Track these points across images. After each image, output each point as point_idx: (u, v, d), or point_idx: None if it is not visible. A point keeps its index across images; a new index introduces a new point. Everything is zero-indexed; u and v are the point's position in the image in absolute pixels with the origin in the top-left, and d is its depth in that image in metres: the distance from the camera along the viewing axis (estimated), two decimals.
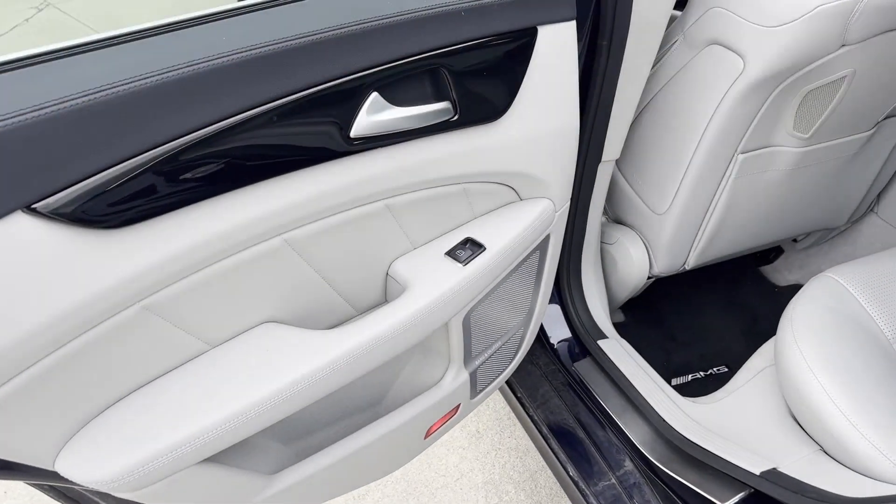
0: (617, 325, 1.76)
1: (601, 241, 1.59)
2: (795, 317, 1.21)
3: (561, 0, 0.91)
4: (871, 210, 1.76)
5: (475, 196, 1.00)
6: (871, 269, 1.27)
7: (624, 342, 1.47)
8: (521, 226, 1.04)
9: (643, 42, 1.18)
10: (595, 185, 1.37)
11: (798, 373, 1.13)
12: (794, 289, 1.88)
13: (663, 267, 1.54)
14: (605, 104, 1.24)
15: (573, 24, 0.94)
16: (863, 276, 1.26)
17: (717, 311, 1.82)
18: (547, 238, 1.13)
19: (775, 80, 1.19)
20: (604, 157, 1.33)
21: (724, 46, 1.21)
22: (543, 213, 1.07)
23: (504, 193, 1.04)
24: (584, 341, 1.47)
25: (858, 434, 1.04)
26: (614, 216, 1.62)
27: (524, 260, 1.10)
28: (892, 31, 1.14)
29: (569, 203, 1.14)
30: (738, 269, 1.93)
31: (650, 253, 1.53)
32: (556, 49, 0.93)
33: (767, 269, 1.95)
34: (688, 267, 1.56)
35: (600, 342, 1.45)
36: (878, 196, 1.73)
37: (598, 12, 1.12)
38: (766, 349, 1.35)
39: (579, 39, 1.15)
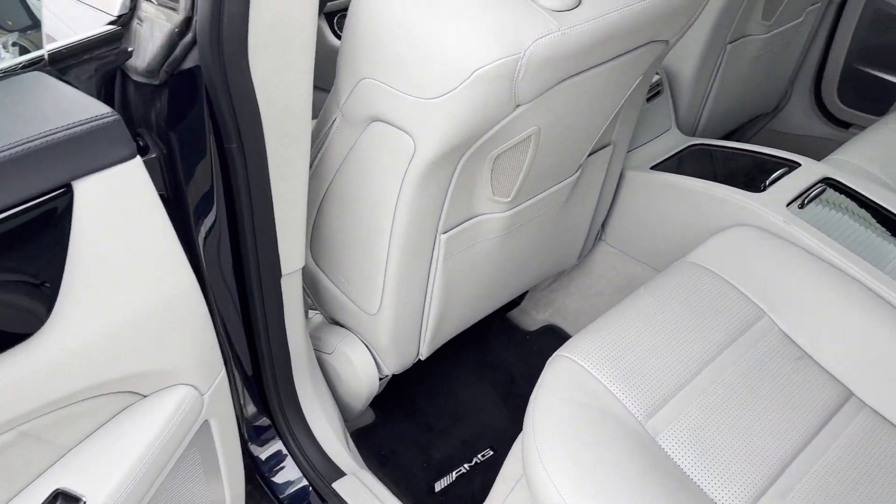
0: (367, 429, 1.52)
1: (319, 351, 1.32)
2: (537, 422, 1.02)
3: (102, 138, 0.61)
4: (600, 239, 1.68)
5: (51, 429, 0.67)
6: (607, 338, 1.12)
7: (366, 474, 1.21)
8: (144, 441, 0.72)
9: (289, 133, 0.92)
10: (285, 302, 1.10)
11: (547, 499, 0.94)
12: (546, 331, 1.76)
13: (394, 367, 1.30)
14: (262, 214, 0.97)
15: (137, 161, 0.65)
16: (600, 348, 1.11)
17: (471, 379, 1.63)
18: (205, 425, 0.83)
19: (454, 154, 0.99)
20: (285, 270, 1.06)
21: (388, 123, 0.98)
22: (181, 406, 0.77)
23: (111, 403, 0.72)
24: (317, 488, 1.19)
25: None
26: (329, 316, 1.36)
27: (173, 469, 0.79)
28: (563, 81, 0.98)
29: (224, 371, 0.85)
30: (485, 322, 1.76)
31: (375, 355, 1.29)
32: (117, 203, 0.63)
33: (515, 314, 1.81)
34: (423, 357, 1.35)
35: (336, 484, 1.18)
36: (603, 225, 1.64)
37: (213, 111, 0.85)
38: (518, 450, 1.16)
39: (200, 148, 0.87)
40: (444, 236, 1.13)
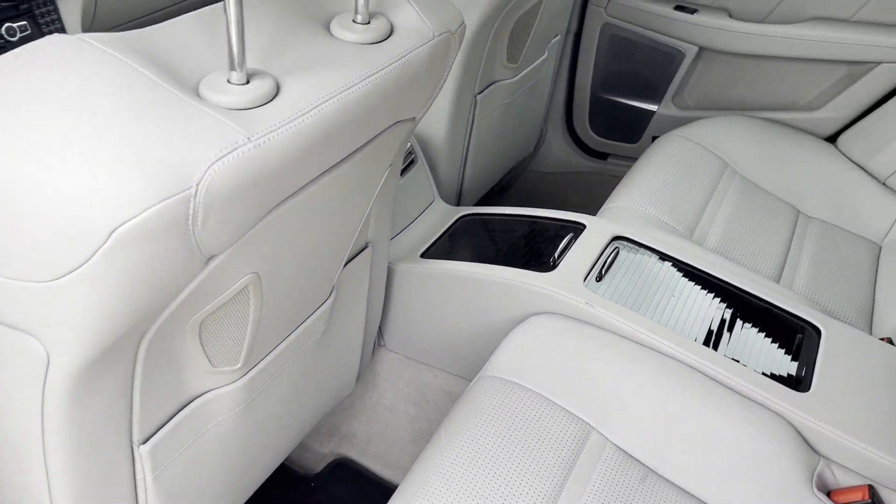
0: None
1: None
2: None
3: None
4: (379, 345, 1.37)
5: None
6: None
7: None
8: None
9: None
10: None
11: None
12: (335, 469, 1.40)
13: None
14: None
15: None
16: None
17: None
18: None
19: (122, 345, 0.62)
20: None
21: None
22: None
23: None
24: None
25: None
26: None
27: None
28: (278, 206, 0.65)
29: None
30: None
31: None
32: None
33: (294, 454, 1.44)
34: None
35: None
36: (380, 329, 1.34)
37: None
38: None
39: None
40: (144, 448, 0.74)
